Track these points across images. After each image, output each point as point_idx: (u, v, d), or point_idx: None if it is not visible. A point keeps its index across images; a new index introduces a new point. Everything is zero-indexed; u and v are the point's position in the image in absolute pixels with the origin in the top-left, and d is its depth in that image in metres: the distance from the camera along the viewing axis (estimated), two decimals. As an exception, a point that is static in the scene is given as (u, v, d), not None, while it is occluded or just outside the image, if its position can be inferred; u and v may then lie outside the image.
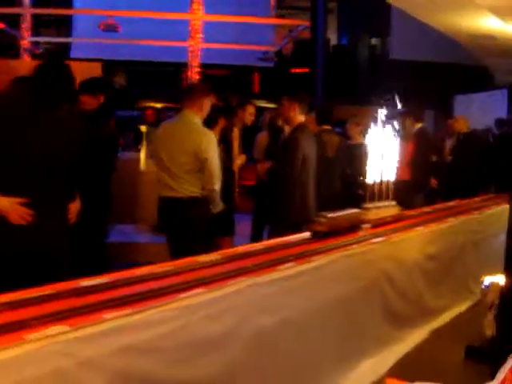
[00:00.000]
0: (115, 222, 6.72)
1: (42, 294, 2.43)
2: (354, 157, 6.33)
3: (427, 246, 4.74)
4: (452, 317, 4.92)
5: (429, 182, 8.09)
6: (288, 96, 5.28)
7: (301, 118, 5.21)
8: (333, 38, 22.16)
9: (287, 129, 5.58)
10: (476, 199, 7.06)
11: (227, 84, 15.66)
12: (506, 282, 3.95)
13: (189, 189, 4.60)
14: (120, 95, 15.45)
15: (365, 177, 4.51)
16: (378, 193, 4.58)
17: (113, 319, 2.24)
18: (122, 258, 6.12)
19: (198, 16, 10.44)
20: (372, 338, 3.92)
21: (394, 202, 4.78)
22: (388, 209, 4.71)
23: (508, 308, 3.87)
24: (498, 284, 4.27)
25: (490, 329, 4.12)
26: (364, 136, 5.56)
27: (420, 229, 4.71)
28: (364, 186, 4.57)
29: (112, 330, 2.22)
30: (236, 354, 2.72)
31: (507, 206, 6.26)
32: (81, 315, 2.25)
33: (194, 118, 4.63)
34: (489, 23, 8.04)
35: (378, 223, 4.49)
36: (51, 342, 2.02)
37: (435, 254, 4.81)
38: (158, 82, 16.35)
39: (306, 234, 3.98)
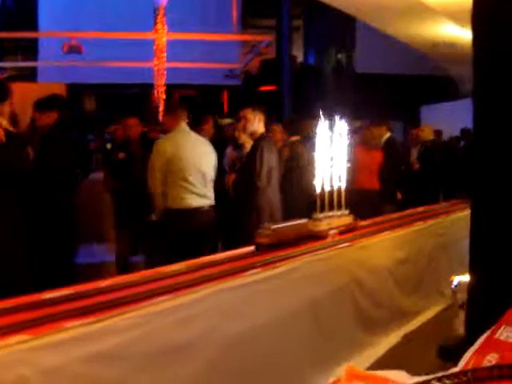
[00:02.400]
0: (84, 243, 6.64)
1: (2, 306, 2.38)
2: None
3: (395, 251, 4.77)
4: (424, 320, 4.93)
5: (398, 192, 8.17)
6: (252, 109, 5.32)
7: (263, 129, 5.26)
8: (299, 55, 22.39)
9: (249, 141, 5.60)
10: (443, 204, 7.14)
11: (196, 103, 15.64)
12: (470, 281, 3.98)
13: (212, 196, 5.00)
14: (90, 119, 15.35)
15: (314, 185, 4.32)
16: (330, 202, 4.37)
17: (74, 327, 2.21)
18: (92, 278, 6.03)
19: (162, 35, 10.48)
20: (344, 343, 3.91)
21: (346, 211, 4.55)
22: (341, 218, 4.48)
23: (474, 306, 3.88)
24: (466, 283, 4.29)
25: (461, 328, 4.12)
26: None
27: (386, 234, 4.73)
28: (314, 195, 4.34)
29: (74, 339, 2.18)
30: (204, 360, 2.69)
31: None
32: (42, 325, 2.21)
33: None
34: (448, 30, 8.19)
35: (341, 231, 4.41)
36: (11, 350, 1.98)
37: (404, 258, 4.84)
38: (126, 103, 16.32)
39: (250, 248, 3.77)
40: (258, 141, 5.20)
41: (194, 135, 5.12)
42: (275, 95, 19.50)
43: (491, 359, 1.94)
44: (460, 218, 6.26)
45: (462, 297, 4.22)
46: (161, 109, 10.72)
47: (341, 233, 4.40)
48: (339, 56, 21.39)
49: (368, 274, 4.29)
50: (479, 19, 3.70)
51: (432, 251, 5.38)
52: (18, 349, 2.01)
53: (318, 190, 4.30)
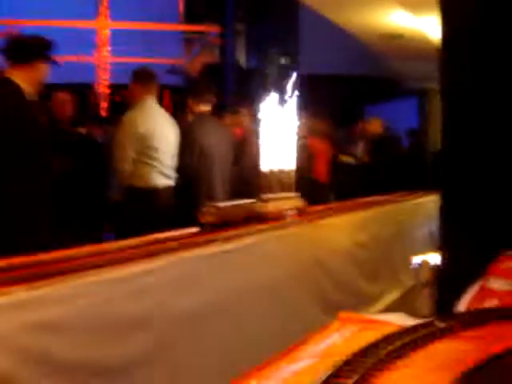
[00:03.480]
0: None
1: None
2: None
3: (354, 233, 4.62)
4: (387, 302, 4.80)
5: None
6: (193, 97, 5.14)
7: (201, 108, 5.02)
8: (241, 59, 22.21)
9: None
10: (394, 195, 7.07)
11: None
12: (442, 260, 3.88)
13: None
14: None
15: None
16: (278, 183, 4.08)
17: (13, 292, 1.92)
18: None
19: (105, 24, 10.14)
20: (306, 325, 3.70)
21: (296, 194, 4.25)
22: (290, 200, 4.17)
23: (445, 285, 3.78)
24: (429, 262, 4.19)
25: (425, 308, 3.99)
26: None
27: (343, 216, 4.58)
28: (260, 175, 4.05)
29: (17, 304, 1.90)
30: (154, 334, 2.43)
31: (427, 198, 6.45)
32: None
33: None
34: (397, 19, 8.12)
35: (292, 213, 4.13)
36: None
37: (364, 242, 4.69)
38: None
39: (193, 228, 3.43)
40: (193, 120, 5.02)
41: (161, 111, 4.75)
42: (218, 99, 19.26)
43: (490, 304, 1.78)
44: (412, 206, 6.27)
45: (425, 276, 4.11)
46: (103, 106, 10.34)
47: (292, 215, 4.11)
48: (283, 60, 21.38)
49: (328, 255, 4.12)
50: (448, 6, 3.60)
51: (390, 236, 5.27)
52: None
53: (266, 171, 4.02)
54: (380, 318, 1.52)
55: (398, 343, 1.30)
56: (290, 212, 4.11)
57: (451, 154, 3.77)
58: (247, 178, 5.44)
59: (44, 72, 3.39)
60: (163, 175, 4.55)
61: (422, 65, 10.94)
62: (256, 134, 4.23)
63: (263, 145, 4.06)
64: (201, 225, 3.39)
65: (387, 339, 1.31)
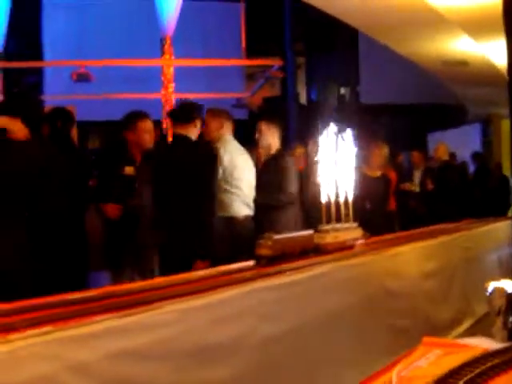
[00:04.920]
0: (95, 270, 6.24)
1: (26, 304, 2.22)
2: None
3: (423, 262, 4.59)
4: (461, 331, 4.72)
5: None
6: (265, 121, 5.20)
7: (278, 143, 5.15)
8: (302, 92, 22.36)
9: (263, 153, 5.39)
10: (461, 222, 6.98)
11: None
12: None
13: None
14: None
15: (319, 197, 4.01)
16: (336, 214, 3.98)
17: (104, 321, 2.03)
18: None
19: (170, 62, 10.45)
20: (379, 353, 3.70)
21: (355, 224, 4.17)
22: (349, 231, 4.07)
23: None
24: (503, 289, 4.10)
25: (500, 335, 3.91)
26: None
27: (412, 244, 4.55)
28: (319, 206, 4.00)
29: (103, 333, 2.00)
30: (238, 362, 2.50)
31: (495, 225, 6.36)
32: (69, 319, 2.03)
33: None
34: (460, 46, 8.06)
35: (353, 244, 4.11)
36: (34, 342, 1.80)
37: (432, 270, 4.65)
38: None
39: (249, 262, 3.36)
40: (280, 156, 5.10)
41: (238, 145, 4.93)
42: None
43: None
44: (482, 233, 6.15)
45: (499, 303, 4.03)
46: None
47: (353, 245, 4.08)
48: (342, 90, 21.43)
49: (397, 284, 4.11)
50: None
51: (458, 264, 5.20)
52: (42, 341, 1.83)
53: (324, 201, 3.98)
54: (463, 342, 1.55)
55: (483, 366, 1.34)
56: (348, 243, 4.04)
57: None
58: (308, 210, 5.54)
59: (199, 127, 4.29)
60: (245, 204, 4.72)
61: (485, 90, 10.82)
62: (317, 166, 4.27)
63: (323, 176, 4.07)
64: (257, 258, 3.30)
65: (472, 363, 1.35)
